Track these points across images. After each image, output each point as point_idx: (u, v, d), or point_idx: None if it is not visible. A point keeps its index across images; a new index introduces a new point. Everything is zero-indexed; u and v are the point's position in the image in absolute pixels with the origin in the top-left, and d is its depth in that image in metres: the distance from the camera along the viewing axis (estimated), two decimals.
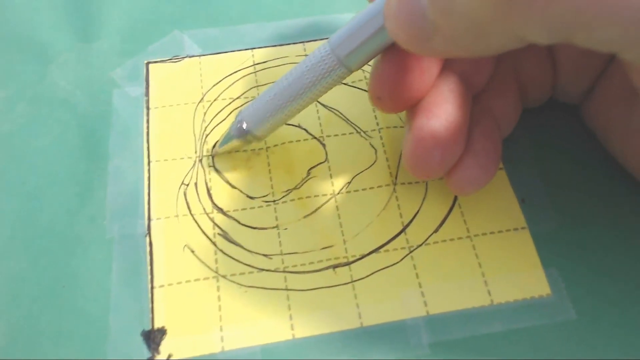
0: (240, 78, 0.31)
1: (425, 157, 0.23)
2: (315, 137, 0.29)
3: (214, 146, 0.29)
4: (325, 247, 0.26)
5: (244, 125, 0.26)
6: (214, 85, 0.31)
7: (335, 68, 0.23)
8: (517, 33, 0.18)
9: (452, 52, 0.20)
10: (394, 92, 0.24)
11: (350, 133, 0.29)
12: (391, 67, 0.23)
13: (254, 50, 0.33)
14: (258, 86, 0.31)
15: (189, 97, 0.31)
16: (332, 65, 0.23)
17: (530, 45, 0.20)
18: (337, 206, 0.27)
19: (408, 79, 0.23)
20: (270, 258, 0.26)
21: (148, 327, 0.24)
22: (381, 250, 0.26)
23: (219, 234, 0.26)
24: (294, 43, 0.33)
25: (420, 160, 0.23)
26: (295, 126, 0.29)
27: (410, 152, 0.23)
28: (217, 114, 0.30)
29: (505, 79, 0.26)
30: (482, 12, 0.18)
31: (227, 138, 0.27)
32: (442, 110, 0.23)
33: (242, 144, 0.27)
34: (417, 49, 0.21)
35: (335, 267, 0.25)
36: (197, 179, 0.28)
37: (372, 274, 0.25)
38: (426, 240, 0.26)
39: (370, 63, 0.24)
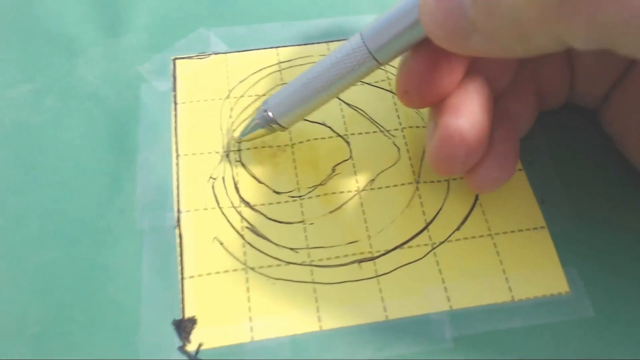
0: (266, 76, 0.32)
1: (450, 155, 0.23)
2: (339, 135, 0.30)
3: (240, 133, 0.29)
4: (351, 242, 0.27)
5: (270, 114, 0.27)
6: (240, 82, 0.32)
7: (365, 61, 0.24)
8: (560, 37, 0.18)
9: (489, 51, 0.21)
10: (422, 87, 0.24)
11: (374, 132, 0.30)
12: (420, 63, 0.23)
13: (278, 48, 0.33)
14: (283, 84, 0.31)
15: (216, 93, 0.31)
16: (362, 57, 0.23)
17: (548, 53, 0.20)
18: (361, 203, 0.28)
19: (436, 75, 0.23)
20: (297, 252, 0.26)
21: (179, 317, 0.25)
22: (405, 246, 0.26)
23: (246, 227, 0.27)
24: (318, 43, 0.33)
25: (444, 157, 0.23)
26: (320, 124, 0.30)
27: (435, 149, 0.23)
28: (243, 110, 0.30)
29: (525, 83, 0.26)
30: (528, 14, 0.18)
31: (250, 126, 0.28)
32: (469, 110, 0.23)
33: (265, 133, 0.28)
34: (453, 47, 0.21)
35: (360, 261, 0.26)
36: (224, 173, 0.28)
37: (397, 269, 0.26)
38: (448, 237, 0.27)
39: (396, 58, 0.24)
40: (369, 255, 0.26)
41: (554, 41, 0.19)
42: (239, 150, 0.29)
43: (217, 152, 0.29)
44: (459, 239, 0.27)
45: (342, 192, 0.28)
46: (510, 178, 0.25)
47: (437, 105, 0.24)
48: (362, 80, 0.31)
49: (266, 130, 0.28)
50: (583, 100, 0.28)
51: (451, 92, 0.24)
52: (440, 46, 0.21)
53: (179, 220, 0.27)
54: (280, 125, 0.27)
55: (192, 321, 0.25)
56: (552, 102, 0.28)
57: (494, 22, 0.19)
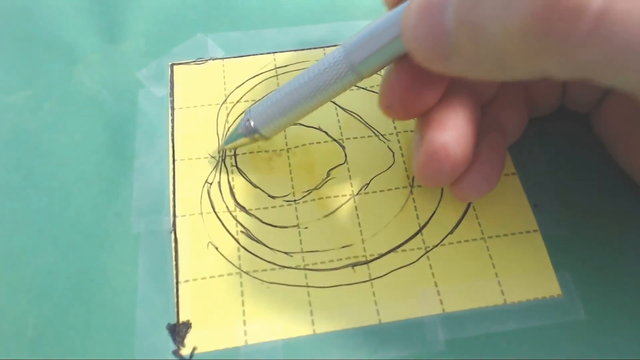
0: (262, 81, 0.32)
1: (436, 169, 0.23)
2: (335, 140, 0.30)
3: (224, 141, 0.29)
4: (345, 246, 0.27)
5: (252, 123, 0.27)
6: (236, 88, 0.32)
7: (347, 74, 0.24)
8: (540, 69, 0.18)
9: (469, 74, 0.20)
10: (404, 101, 0.24)
11: (368, 136, 0.30)
12: (402, 77, 0.23)
13: (275, 54, 0.33)
14: None
15: (213, 99, 0.31)
16: (344, 70, 0.24)
17: None
18: (355, 207, 0.28)
19: (419, 89, 0.23)
20: (291, 256, 0.26)
21: (173, 321, 0.25)
22: (398, 250, 0.27)
23: (241, 231, 0.27)
24: (314, 48, 0.33)
25: (431, 171, 0.23)
26: (316, 128, 0.30)
27: (421, 163, 0.23)
28: (239, 116, 0.31)
29: (514, 89, 0.27)
30: (511, 45, 0.18)
31: (234, 135, 0.28)
32: (454, 124, 0.23)
33: (248, 142, 0.28)
34: (433, 66, 0.21)
35: (354, 265, 0.26)
36: (220, 178, 0.29)
37: (390, 272, 0.26)
38: (442, 241, 0.27)
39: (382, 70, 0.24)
40: (363, 259, 0.26)
41: (534, 71, 0.19)
42: (235, 155, 0.29)
43: (213, 157, 0.29)
44: (452, 243, 0.27)
45: (336, 196, 0.28)
46: (494, 187, 0.25)
47: (423, 117, 0.24)
48: (357, 85, 0.31)
49: (249, 139, 0.28)
50: (576, 104, 0.28)
51: (435, 105, 0.24)
52: (420, 64, 0.21)
53: (174, 224, 0.27)
54: (262, 135, 0.27)
55: (187, 325, 0.25)
56: (544, 108, 0.28)
57: (476, 48, 0.19)
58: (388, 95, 0.24)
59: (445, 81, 0.24)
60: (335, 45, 0.33)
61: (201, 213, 0.28)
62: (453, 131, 0.23)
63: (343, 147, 0.30)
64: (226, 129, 0.30)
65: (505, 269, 0.26)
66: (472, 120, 0.23)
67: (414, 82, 0.23)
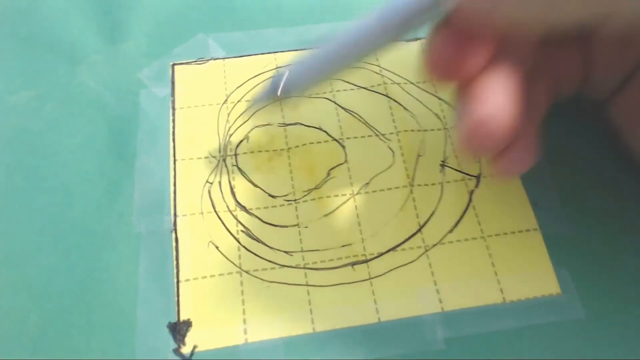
0: (263, 81, 0.32)
1: (482, 139, 0.22)
2: (335, 139, 0.30)
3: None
4: (344, 245, 0.27)
5: (285, 76, 0.25)
6: (237, 88, 0.32)
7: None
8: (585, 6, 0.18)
9: (517, 18, 0.20)
10: (449, 63, 0.23)
11: (369, 136, 0.30)
12: (448, 38, 0.22)
13: (276, 54, 0.33)
14: None
15: (214, 99, 0.31)
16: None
17: (566, 39, 0.19)
18: (355, 206, 0.28)
19: (464, 50, 0.22)
20: (291, 255, 0.27)
21: (174, 320, 0.25)
22: (398, 248, 0.27)
23: (242, 231, 0.27)
24: (315, 48, 0.33)
25: (476, 141, 0.22)
26: (316, 128, 0.30)
27: (467, 134, 0.22)
28: (240, 115, 0.31)
29: (540, 74, 0.25)
30: None
31: (262, 94, 0.27)
32: (502, 92, 0.22)
33: (274, 100, 0.26)
34: (484, 13, 0.21)
35: (353, 264, 0.26)
36: (220, 177, 0.29)
37: (389, 271, 0.26)
38: (441, 240, 0.27)
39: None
40: (363, 258, 0.26)
41: (584, 7, 0.18)
42: (236, 154, 0.29)
43: (214, 157, 0.29)
44: (451, 242, 0.27)
45: (336, 195, 0.28)
46: (534, 162, 0.24)
47: (468, 87, 0.23)
48: (358, 85, 0.31)
49: (275, 98, 0.26)
50: (597, 89, 0.27)
51: (480, 72, 0.23)
52: (468, 15, 0.21)
53: (175, 224, 0.27)
54: (291, 95, 0.26)
55: (187, 324, 0.25)
56: (566, 92, 0.27)
57: None
58: (433, 56, 0.23)
59: (489, 46, 0.23)
60: None
61: (202, 212, 0.28)
62: (501, 99, 0.22)
63: (343, 147, 0.30)
64: (227, 129, 0.30)
65: (505, 268, 0.26)
66: (518, 90, 0.22)
67: (460, 42, 0.22)
